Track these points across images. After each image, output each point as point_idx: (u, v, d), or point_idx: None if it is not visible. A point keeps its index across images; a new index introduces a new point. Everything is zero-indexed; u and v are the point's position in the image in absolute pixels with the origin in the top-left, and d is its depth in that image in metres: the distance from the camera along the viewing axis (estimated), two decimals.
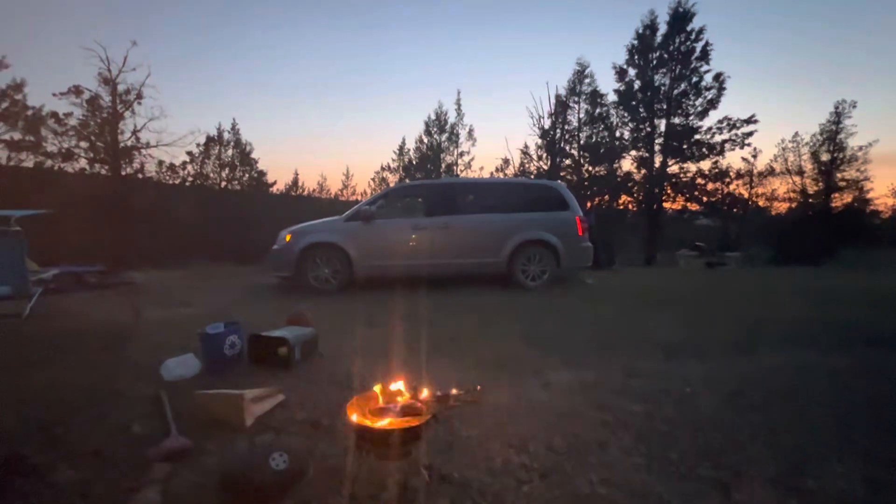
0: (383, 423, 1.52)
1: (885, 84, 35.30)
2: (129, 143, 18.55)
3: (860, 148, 20.77)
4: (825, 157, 21.58)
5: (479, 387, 1.67)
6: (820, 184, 21.83)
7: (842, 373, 2.62)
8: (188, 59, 35.91)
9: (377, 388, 1.67)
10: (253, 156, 24.10)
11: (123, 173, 18.60)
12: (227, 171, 23.69)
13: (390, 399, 1.64)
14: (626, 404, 2.21)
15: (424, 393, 1.62)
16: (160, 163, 19.87)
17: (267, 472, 1.45)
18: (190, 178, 22.14)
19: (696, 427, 1.96)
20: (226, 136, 23.53)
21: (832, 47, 35.92)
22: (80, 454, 1.74)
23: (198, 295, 5.78)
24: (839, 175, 21.35)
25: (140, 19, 30.27)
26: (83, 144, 17.97)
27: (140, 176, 19.23)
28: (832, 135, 21.35)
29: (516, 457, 1.73)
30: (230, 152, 23.81)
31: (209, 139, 22.65)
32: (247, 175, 24.11)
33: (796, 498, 1.46)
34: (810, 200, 22.03)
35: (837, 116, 21.17)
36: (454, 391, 1.60)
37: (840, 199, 21.45)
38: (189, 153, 21.72)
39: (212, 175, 23.25)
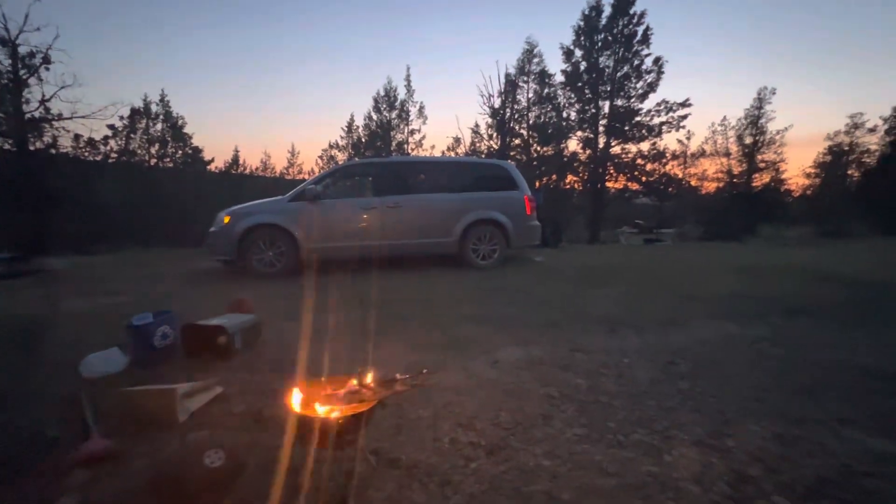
0: (327, 411, 1.47)
1: (800, 72, 38.54)
2: (36, 115, 16.49)
3: (778, 132, 22.69)
4: (748, 140, 23.39)
5: (424, 370, 1.65)
6: (744, 165, 23.70)
7: (760, 342, 2.88)
8: (106, 21, 32.20)
9: (322, 377, 1.62)
10: (186, 131, 22.36)
11: (32, 148, 16.57)
12: (157, 147, 21.85)
13: (335, 386, 1.59)
14: (570, 378, 2.30)
15: (369, 378, 1.58)
16: (76, 137, 17.91)
17: (201, 470, 1.37)
18: (114, 155, 20.19)
19: (632, 397, 2.08)
20: (153, 108, 21.59)
21: (758, 36, 38.55)
22: None
23: (127, 283, 5.34)
24: (759, 157, 23.27)
25: None
26: None
27: (53, 151, 17.23)
28: (755, 119, 23.13)
29: (464, 435, 1.75)
30: (159, 126, 21.92)
31: (134, 111, 20.70)
32: (180, 152, 22.37)
33: (718, 455, 1.59)
34: (735, 181, 23.89)
35: (760, 102, 22.92)
36: (399, 375, 1.58)
37: (760, 180, 23.45)
38: (111, 127, 19.77)
39: (139, 151, 21.37)
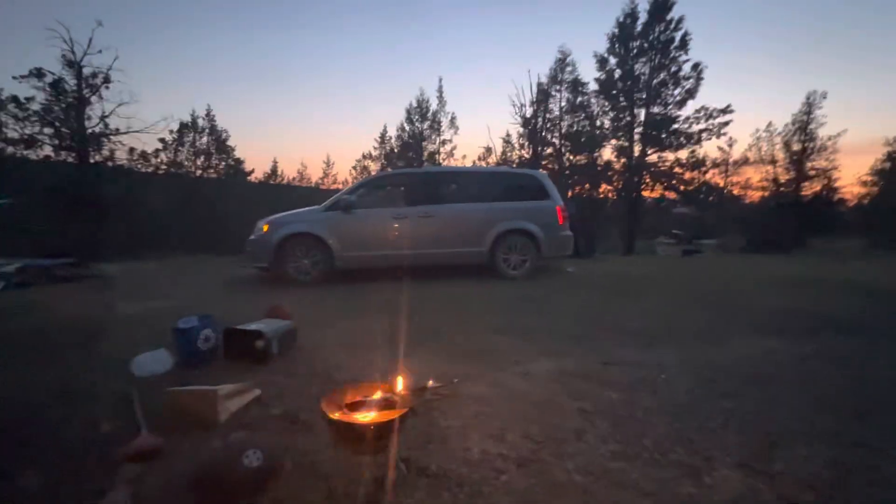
0: (360, 417, 1.51)
1: (853, 76, 36.42)
2: (97, 130, 17.75)
3: (829, 138, 21.46)
4: (796, 146, 22.21)
5: (455, 380, 1.66)
6: (791, 173, 22.50)
7: (809, 359, 2.72)
8: (159, 41, 34.50)
9: (355, 383, 1.65)
10: (229, 143, 23.44)
11: (92, 161, 17.83)
12: (202, 158, 23.01)
13: (367, 393, 1.62)
14: (603, 392, 2.24)
15: (401, 386, 1.61)
16: (131, 150, 19.12)
17: (240, 469, 1.42)
18: (164, 167, 21.41)
19: (670, 414, 2.00)
20: (200, 122, 22.79)
21: (805, 39, 36.81)
22: (48, 456, 1.68)
23: (172, 288, 5.63)
24: (809, 164, 22.04)
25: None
26: (47, 130, 17.12)
27: (110, 164, 18.47)
28: (803, 125, 21.96)
29: (494, 447, 1.74)
30: (205, 139, 23.09)
31: (183, 126, 21.92)
32: (223, 163, 23.47)
33: (764, 481, 1.51)
34: (782, 189, 22.71)
35: (809, 107, 21.76)
36: (430, 384, 1.59)
37: (810, 188, 22.18)
38: (162, 140, 20.97)
39: (186, 163, 22.57)
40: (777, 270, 7.31)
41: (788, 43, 38.42)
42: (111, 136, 18.06)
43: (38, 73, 16.58)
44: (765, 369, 2.58)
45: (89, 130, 17.59)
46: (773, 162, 23.11)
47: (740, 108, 30.74)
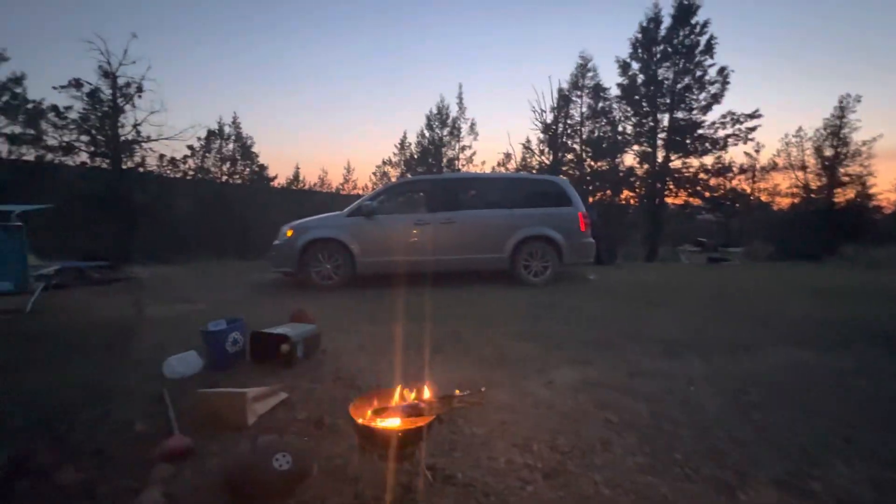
0: (387, 423, 1.52)
1: (890, 79, 35.05)
2: (129, 137, 18.46)
3: (864, 143, 20.66)
4: (828, 152, 21.47)
5: (483, 388, 1.66)
6: (823, 179, 21.74)
7: (844, 372, 2.62)
8: (189, 52, 35.78)
9: (380, 389, 1.66)
10: (254, 150, 24.04)
11: (124, 167, 18.53)
12: (228, 164, 23.65)
13: (394, 399, 1.63)
14: (629, 403, 2.20)
15: (427, 393, 1.61)
16: (161, 156, 19.82)
17: (270, 472, 1.45)
18: (191, 172, 22.10)
19: (700, 426, 1.95)
20: (227, 129, 23.46)
21: (836, 42, 35.66)
22: (84, 453, 1.74)
23: (200, 291, 5.78)
24: (842, 170, 21.25)
25: (140, 12, 30.13)
26: (84, 138, 17.91)
27: (141, 170, 19.18)
28: (836, 130, 21.22)
29: (520, 457, 1.72)
30: (231, 146, 23.75)
31: (210, 133, 22.60)
32: (248, 169, 24.07)
33: (802, 500, 1.46)
34: (813, 196, 21.95)
35: (841, 111, 21.03)
36: (458, 392, 1.59)
37: (843, 195, 21.37)
38: (190, 147, 21.69)
39: (213, 169, 23.23)
40: (808, 279, 7.05)
41: (819, 46, 37.21)
42: (143, 143, 18.75)
43: (77, 84, 17.37)
44: (798, 381, 2.49)
45: (122, 138, 18.32)
46: (804, 168, 22.40)
47: (768, 112, 29.90)
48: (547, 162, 21.56)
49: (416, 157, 25.26)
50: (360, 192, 27.71)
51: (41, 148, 17.50)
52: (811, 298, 5.05)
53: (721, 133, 19.20)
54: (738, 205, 21.59)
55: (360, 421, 1.52)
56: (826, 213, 20.37)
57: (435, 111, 24.33)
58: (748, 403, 2.19)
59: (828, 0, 34.28)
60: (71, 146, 17.70)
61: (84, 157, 18.16)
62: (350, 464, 1.64)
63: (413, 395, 1.60)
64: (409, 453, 1.50)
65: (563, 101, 21.12)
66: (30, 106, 17.10)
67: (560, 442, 1.83)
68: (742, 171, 21.07)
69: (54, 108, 17.33)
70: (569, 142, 21.61)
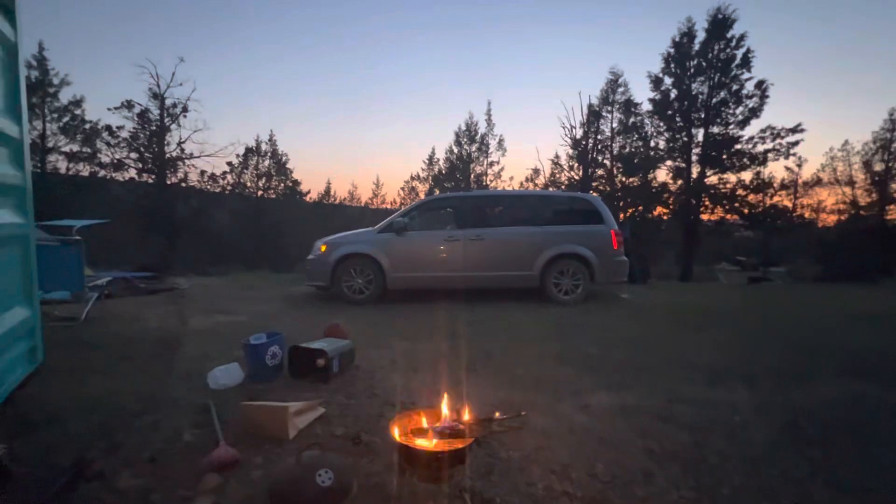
0: (428, 444, 1.53)
1: None
2: (174, 154, 19.55)
3: None
4: (878, 166, 20.40)
5: (523, 412, 1.65)
6: (873, 195, 20.59)
7: None
8: (230, 73, 37.76)
9: (419, 408, 1.68)
10: (288, 166, 24.91)
11: (168, 182, 19.57)
12: (263, 180, 24.57)
13: (433, 419, 1.65)
14: (671, 432, 2.13)
15: (467, 415, 1.62)
16: (202, 172, 20.84)
17: (314, 488, 1.48)
18: (229, 188, 23.08)
19: (749, 460, 1.87)
20: (263, 146, 24.44)
21: (883, 54, 34.06)
22: (139, 461, 1.83)
23: (238, 303, 5.99)
24: (894, 186, 20.08)
25: (187, 36, 32.13)
26: (133, 155, 19.09)
27: (183, 185, 20.21)
28: (886, 143, 20.17)
29: (558, 484, 1.69)
30: (267, 162, 24.69)
31: (248, 150, 23.61)
32: (282, 184, 24.91)
33: None
34: (862, 213, 20.79)
35: (892, 124, 20.00)
36: (497, 415, 1.59)
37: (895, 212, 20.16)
38: (229, 163, 22.72)
39: (249, 184, 24.17)
40: (862, 303, 6.65)
41: (864, 58, 35.67)
42: (186, 160, 19.80)
43: (129, 105, 18.61)
44: (856, 416, 2.34)
45: (168, 155, 19.40)
46: (851, 183, 21.33)
47: (811, 125, 28.68)
48: (577, 177, 21.35)
49: (444, 172, 25.52)
50: (389, 206, 28.19)
51: (95, 165, 18.74)
52: (867, 325, 4.76)
53: (760, 148, 18.52)
54: (779, 221, 20.67)
55: (400, 440, 1.54)
56: (879, 230, 19.21)
57: (463, 127, 24.64)
58: (802, 438, 2.08)
59: (872, 12, 32.94)
60: (121, 163, 18.90)
61: (132, 173, 19.31)
62: (388, 483, 1.66)
63: (453, 416, 1.61)
64: (448, 475, 1.50)
65: (594, 116, 20.97)
66: (87, 126, 18.39)
67: (599, 470, 1.79)
68: (783, 186, 20.22)
69: (108, 127, 18.60)
70: (599, 157, 21.37)
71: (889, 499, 1.62)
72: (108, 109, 18.59)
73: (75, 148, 18.28)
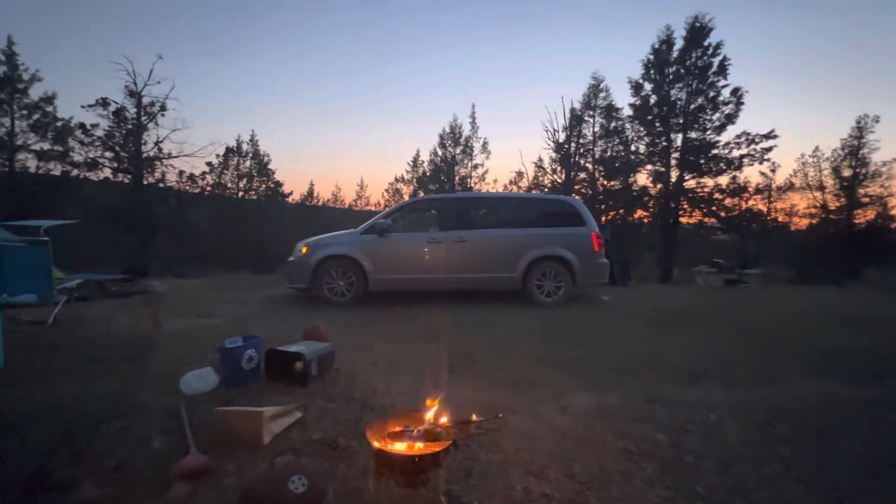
0: (404, 448, 1.51)
1: None
2: (151, 154, 19.05)
3: (884, 163, 20.34)
4: (847, 172, 21.16)
5: (500, 414, 1.64)
6: (842, 199, 21.37)
7: (876, 406, 2.52)
8: (210, 72, 37.06)
9: (396, 411, 1.66)
10: (270, 166, 24.54)
11: (145, 182, 19.06)
12: (244, 181, 24.15)
13: (411, 423, 1.63)
14: (648, 432, 2.15)
15: (444, 418, 1.60)
16: (181, 173, 20.35)
17: (287, 495, 1.44)
18: (209, 188, 22.60)
19: (723, 459, 1.90)
20: (244, 147, 24.04)
21: (854, 63, 35.47)
22: (103, 469, 1.76)
23: (216, 306, 5.85)
24: (861, 191, 20.88)
25: (165, 34, 31.43)
26: (108, 154, 18.52)
27: (161, 185, 19.70)
28: (854, 150, 20.96)
29: (537, 485, 1.69)
30: (248, 163, 24.29)
31: (228, 150, 23.18)
32: (264, 185, 24.53)
33: None
34: (832, 217, 21.55)
35: (859, 131, 20.80)
36: (475, 417, 1.58)
37: (863, 216, 20.95)
38: (209, 163, 22.25)
39: (230, 185, 23.73)
40: (833, 305, 6.87)
41: (836, 67, 37.13)
42: (164, 160, 19.31)
43: (104, 103, 18.07)
44: (825, 414, 2.41)
45: (144, 154, 18.89)
46: (822, 188, 22.07)
47: (784, 131, 29.65)
48: (559, 181, 21.60)
49: (428, 174, 25.50)
50: (373, 208, 28.04)
51: (67, 164, 18.13)
52: (837, 326, 4.91)
53: (736, 153, 19.10)
54: (754, 225, 21.27)
55: (376, 444, 1.51)
56: (847, 234, 19.94)
57: (448, 130, 24.66)
58: (774, 436, 2.13)
59: (844, 21, 34.30)
60: (95, 162, 18.32)
61: (107, 172, 18.74)
62: (365, 488, 1.63)
63: (431, 420, 1.59)
64: (425, 479, 1.48)
65: (576, 120, 21.27)
66: (59, 123, 17.79)
67: (577, 471, 1.79)
68: (758, 191, 20.84)
69: (81, 125, 18.01)
70: (581, 161, 21.67)
71: (849, 490, 1.66)
72: (82, 107, 17.97)
73: (46, 146, 17.66)
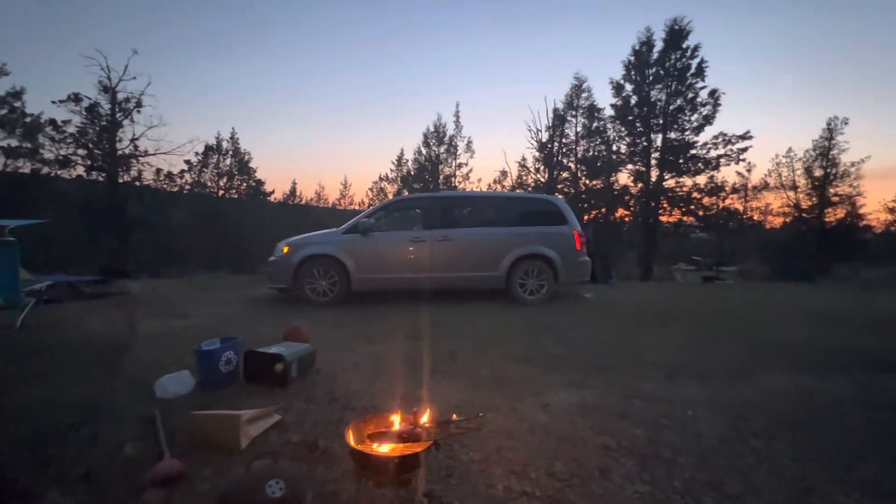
0: (383, 449, 1.49)
1: (876, 101, 36.02)
2: (127, 151, 18.51)
3: (853, 164, 21.10)
4: (818, 172, 21.89)
5: (480, 413, 1.64)
6: (813, 199, 22.09)
7: (844, 399, 2.61)
8: (188, 68, 36.20)
9: (377, 412, 1.65)
10: (251, 165, 24.13)
11: (121, 181, 18.52)
12: (225, 179, 23.70)
13: (390, 423, 1.61)
14: (627, 428, 2.18)
15: (424, 418, 1.59)
16: (158, 171, 19.83)
17: (263, 499, 1.42)
18: (188, 187, 22.10)
19: (699, 454, 1.93)
20: (224, 145, 23.59)
21: (826, 66, 36.68)
22: (72, 477, 1.70)
23: (194, 306, 5.72)
24: (832, 190, 21.63)
25: (141, 27, 30.57)
26: (81, 152, 17.93)
27: (137, 184, 19.16)
28: (825, 151, 21.68)
29: (518, 484, 1.69)
30: (228, 161, 23.84)
31: (208, 148, 22.71)
32: (245, 184, 24.11)
33: None
34: (804, 215, 22.26)
35: (830, 133, 21.52)
36: (454, 417, 1.57)
37: (833, 214, 21.70)
38: (187, 162, 21.78)
39: (210, 184, 23.25)
40: (804, 301, 7.10)
41: (810, 69, 38.35)
42: (140, 158, 18.78)
43: (76, 98, 17.46)
44: (797, 408, 2.48)
45: (120, 152, 18.34)
46: (795, 188, 22.78)
47: (759, 132, 30.47)
48: (543, 180, 21.79)
49: (412, 173, 25.44)
50: (357, 207, 27.81)
51: (37, 161, 17.48)
52: (809, 322, 5.06)
53: (713, 153, 19.60)
54: (731, 223, 21.84)
55: (355, 446, 1.50)
56: (819, 232, 20.61)
57: (432, 129, 24.66)
58: (748, 430, 2.18)
59: (817, 27, 35.42)
60: (67, 160, 17.72)
61: (80, 170, 18.14)
62: (345, 490, 1.61)
63: (410, 420, 1.58)
64: (405, 480, 1.47)
65: (559, 120, 21.49)
66: (28, 119, 17.14)
67: (558, 468, 1.80)
68: (735, 190, 21.41)
69: (52, 121, 17.39)
70: (564, 160, 21.90)
71: (819, 482, 1.71)
72: (53, 103, 17.34)
73: (14, 143, 17.00)
